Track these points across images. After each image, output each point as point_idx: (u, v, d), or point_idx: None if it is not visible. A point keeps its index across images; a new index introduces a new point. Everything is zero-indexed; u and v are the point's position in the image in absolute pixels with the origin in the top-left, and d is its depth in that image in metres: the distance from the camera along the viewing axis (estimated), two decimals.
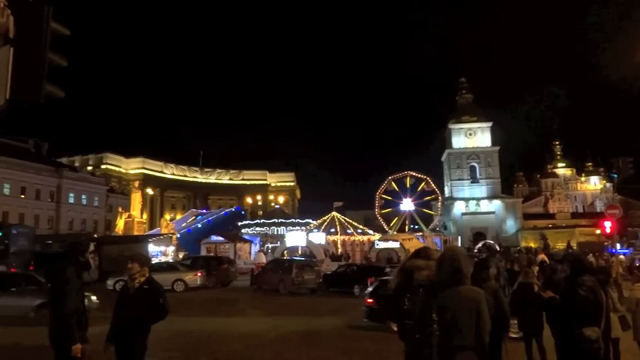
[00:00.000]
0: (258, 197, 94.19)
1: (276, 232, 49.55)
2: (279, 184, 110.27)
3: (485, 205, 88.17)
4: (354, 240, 44.50)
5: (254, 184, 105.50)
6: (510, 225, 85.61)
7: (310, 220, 51.02)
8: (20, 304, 12.46)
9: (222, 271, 25.71)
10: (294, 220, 52.88)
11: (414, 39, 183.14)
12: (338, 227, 45.39)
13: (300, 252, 35.56)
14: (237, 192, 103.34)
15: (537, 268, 14.44)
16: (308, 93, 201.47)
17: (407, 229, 53.43)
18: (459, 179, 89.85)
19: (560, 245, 63.35)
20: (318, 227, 46.06)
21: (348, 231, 45.38)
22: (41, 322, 10.50)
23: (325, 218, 47.81)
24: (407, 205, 55.90)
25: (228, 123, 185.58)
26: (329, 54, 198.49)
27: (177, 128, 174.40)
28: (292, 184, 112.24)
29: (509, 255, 24.99)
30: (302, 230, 43.31)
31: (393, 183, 55.78)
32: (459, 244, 45.46)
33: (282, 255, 34.42)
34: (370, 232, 47.89)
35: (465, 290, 3.70)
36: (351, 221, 48.07)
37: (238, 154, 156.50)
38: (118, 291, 5.58)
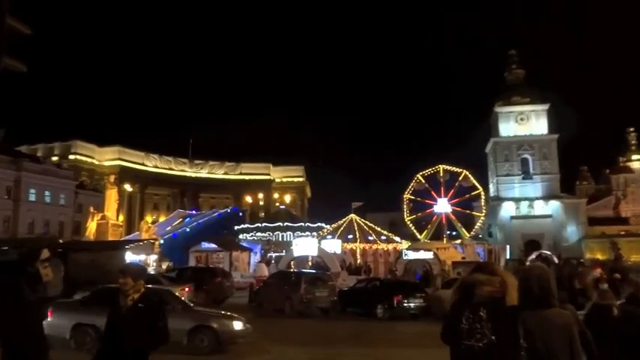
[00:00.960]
0: (260, 196, 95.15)
1: (281, 239, 50.48)
2: (285, 179, 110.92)
3: (541, 207, 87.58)
4: (377, 249, 44.91)
5: (255, 180, 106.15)
6: (572, 231, 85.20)
7: (323, 225, 51.83)
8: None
9: (214, 286, 26.13)
10: (303, 224, 53.73)
11: None
12: (357, 233, 45.71)
13: (310, 263, 36.07)
14: (234, 189, 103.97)
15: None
16: (322, 74, 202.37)
17: (443, 237, 53.62)
18: (508, 174, 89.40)
19: (636, 257, 62.52)
20: (333, 233, 46.58)
21: (370, 238, 45.78)
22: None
23: (341, 222, 48.21)
24: (442, 206, 55.84)
25: (224, 107, 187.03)
26: (344, 25, 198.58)
27: (163, 112, 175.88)
28: (301, 179, 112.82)
29: (571, 268, 24.82)
30: (313, 236, 44.32)
31: (422, 180, 55.65)
32: (507, 256, 44.97)
33: (289, 267, 34.58)
34: (397, 239, 48.16)
35: (555, 314, 4.09)
36: (373, 226, 48.35)
37: (236, 145, 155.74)
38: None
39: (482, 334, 4.25)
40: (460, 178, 55.51)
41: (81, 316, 12.83)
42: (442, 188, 55.81)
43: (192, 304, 14.73)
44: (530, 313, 4.12)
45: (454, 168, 56.21)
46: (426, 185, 55.87)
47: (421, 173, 55.59)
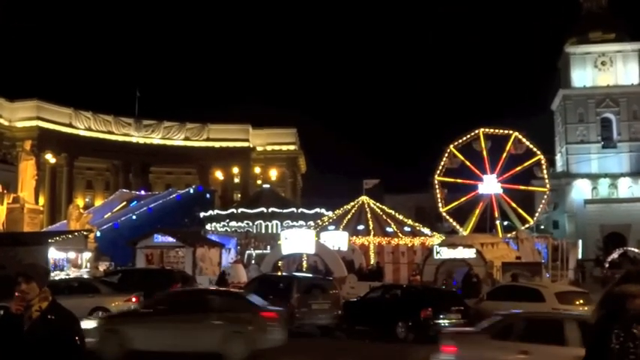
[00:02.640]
0: (235, 170, 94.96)
1: (264, 230, 50.77)
2: (270, 148, 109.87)
3: (627, 187, 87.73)
4: (398, 244, 45.01)
5: (228, 149, 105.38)
6: None
7: (323, 211, 51.83)
8: None
9: None
10: (295, 211, 53.62)
11: None
12: (370, 222, 45.59)
13: (305, 264, 36.54)
14: (199, 161, 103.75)
15: None
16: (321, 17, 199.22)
17: (494, 228, 53.37)
18: (582, 141, 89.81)
19: None
20: (337, 222, 46.31)
21: (388, 229, 45.72)
22: None
23: (349, 207, 47.87)
24: (489, 185, 55.09)
25: (183, 47, 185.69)
26: None
27: (99, 53, 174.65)
28: (293, 148, 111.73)
29: None
30: (309, 227, 44.46)
31: (456, 153, 55.29)
32: (579, 254, 45.19)
33: (275, 269, 34.54)
34: (425, 231, 47.97)
35: None
36: (392, 212, 48.08)
37: (201, 100, 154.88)
38: None
39: (636, 354, 4.70)
40: (510, 144, 54.95)
41: None
42: (486, 161, 55.39)
43: None
44: None
45: (498, 130, 56.20)
46: (463, 160, 55.70)
47: (454, 144, 55.52)
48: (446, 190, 56.47)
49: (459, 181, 56.86)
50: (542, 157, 55.80)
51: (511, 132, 55.44)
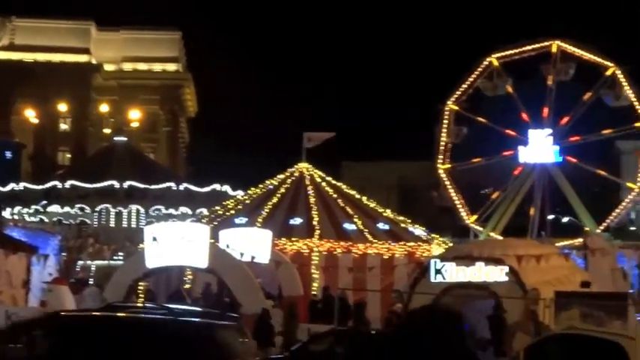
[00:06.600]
0: (62, 108, 73.11)
1: (114, 222, 43.97)
2: (130, 66, 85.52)
3: None
4: (365, 254, 35.79)
5: (49, 65, 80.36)
6: None
7: (226, 189, 44.09)
8: None
9: None
10: (173, 187, 44.70)
11: None
12: (314, 212, 36.29)
13: (189, 286, 31.36)
14: None
15: None
16: None
17: (544, 229, 45.84)
18: None
19: None
20: (251, 211, 37.07)
21: (347, 226, 36.25)
22: None
23: (275, 183, 38.57)
24: (538, 146, 46.17)
25: None
26: None
27: None
28: (174, 69, 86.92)
29: None
30: (198, 219, 38.27)
31: (498, 68, 45.26)
32: None
33: (130, 295, 28.32)
34: (416, 230, 39.05)
35: None
36: (354, 194, 38.88)
37: None
38: None
39: None
40: (603, 81, 44.81)
41: None
42: (547, 105, 44.59)
43: None
44: None
45: (591, 55, 46.21)
46: (510, 90, 45.30)
47: (497, 54, 44.81)
48: (465, 130, 45.59)
49: (483, 121, 46.35)
50: None
51: (609, 63, 45.64)
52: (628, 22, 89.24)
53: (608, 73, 46.90)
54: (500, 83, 46.92)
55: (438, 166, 46.94)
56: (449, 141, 46.59)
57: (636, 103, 46.97)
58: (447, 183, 47.50)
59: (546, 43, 46.73)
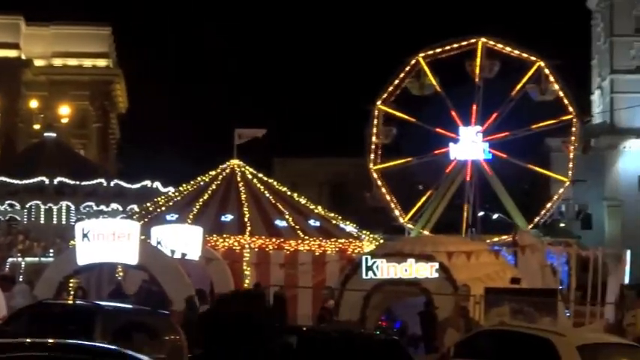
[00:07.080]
0: None
1: (44, 218, 44.64)
2: (60, 62, 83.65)
3: None
4: (296, 250, 36.18)
5: None
6: None
7: (157, 186, 44.52)
8: None
9: None
10: (104, 183, 45.25)
11: None
12: (246, 209, 36.56)
13: (124, 283, 30.58)
14: None
15: None
16: None
17: (474, 226, 46.48)
18: (638, 69, 68.38)
19: None
20: (182, 207, 37.35)
21: (278, 222, 36.76)
22: None
23: (206, 180, 38.59)
24: (468, 145, 47.12)
25: None
26: None
27: None
28: (104, 64, 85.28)
29: None
30: (129, 215, 38.81)
31: (426, 71, 45.93)
32: (626, 274, 34.94)
33: (61, 292, 27.67)
34: (347, 227, 39.09)
35: None
36: (285, 190, 39.48)
37: None
38: None
39: None
40: (528, 76, 45.72)
41: None
42: (476, 102, 45.62)
43: None
44: None
45: (515, 50, 47.35)
46: (435, 86, 46.19)
47: (424, 53, 45.67)
48: (394, 130, 46.61)
49: (416, 122, 47.40)
50: (574, 116, 47.07)
51: (534, 58, 47.04)
52: (556, 18, 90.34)
53: (534, 68, 47.70)
54: (427, 82, 47.52)
55: (370, 166, 47.59)
56: (379, 141, 47.07)
57: (562, 97, 47.70)
58: (380, 183, 47.94)
59: (472, 41, 47.23)
